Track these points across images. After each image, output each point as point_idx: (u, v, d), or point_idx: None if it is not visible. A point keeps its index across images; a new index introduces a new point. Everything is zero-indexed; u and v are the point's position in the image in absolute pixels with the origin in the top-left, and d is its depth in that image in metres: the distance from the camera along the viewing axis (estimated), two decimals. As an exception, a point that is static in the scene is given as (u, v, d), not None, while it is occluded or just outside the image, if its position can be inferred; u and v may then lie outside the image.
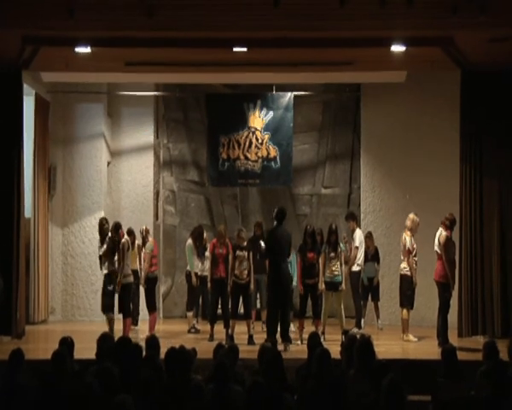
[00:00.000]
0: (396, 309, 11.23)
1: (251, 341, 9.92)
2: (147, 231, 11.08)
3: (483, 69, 9.87)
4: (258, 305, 11.55)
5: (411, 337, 10.26)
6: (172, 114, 13.66)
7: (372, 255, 11.55)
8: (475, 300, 9.97)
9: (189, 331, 11.28)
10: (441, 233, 9.77)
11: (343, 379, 5.31)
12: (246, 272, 10.17)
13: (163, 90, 13.30)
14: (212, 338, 10.25)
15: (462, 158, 10.20)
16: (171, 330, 11.44)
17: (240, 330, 10.24)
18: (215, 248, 10.43)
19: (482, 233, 10.04)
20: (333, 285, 10.26)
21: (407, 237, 10.21)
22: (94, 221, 12.77)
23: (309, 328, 9.82)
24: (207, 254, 10.96)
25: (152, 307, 10.78)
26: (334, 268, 10.23)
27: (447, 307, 9.71)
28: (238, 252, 10.20)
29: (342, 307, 10.35)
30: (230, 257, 10.24)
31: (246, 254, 10.23)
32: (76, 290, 12.77)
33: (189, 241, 11.55)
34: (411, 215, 10.34)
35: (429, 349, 9.42)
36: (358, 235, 11.35)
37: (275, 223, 9.97)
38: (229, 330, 10.13)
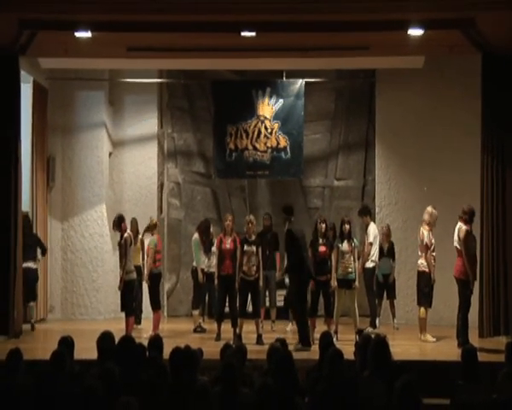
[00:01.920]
0: (413, 308, 11.21)
1: (260, 340, 9.91)
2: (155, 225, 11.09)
3: (506, 52, 9.79)
4: (267, 303, 11.56)
5: (429, 337, 10.23)
6: (177, 102, 13.65)
7: (387, 251, 11.53)
8: (497, 298, 9.91)
9: (195, 331, 11.28)
10: (461, 227, 9.71)
11: (356, 381, 5.30)
12: (254, 268, 10.16)
13: (167, 76, 13.29)
14: (218, 338, 10.26)
15: (483, 148, 10.13)
16: (175, 329, 11.46)
17: (248, 329, 10.25)
18: (222, 244, 10.42)
19: (505, 227, 9.96)
20: (346, 282, 10.23)
21: (425, 232, 10.16)
22: (95, 215, 12.82)
23: (321, 327, 9.80)
24: (214, 249, 10.96)
25: (156, 305, 10.79)
26: (347, 264, 10.21)
27: (468, 306, 9.67)
28: (246, 247, 10.18)
29: (356, 305, 10.34)
30: (238, 253, 10.23)
31: (254, 249, 10.21)
32: (76, 288, 12.81)
33: (196, 235, 11.56)
34: (429, 208, 10.29)
35: (448, 350, 9.40)
36: (372, 230, 11.32)
37: (288, 219, 9.91)
38: (237, 330, 10.14)
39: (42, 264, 12.10)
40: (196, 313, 11.46)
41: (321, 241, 10.16)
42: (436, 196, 11.50)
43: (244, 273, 10.16)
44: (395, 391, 4.70)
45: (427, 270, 10.19)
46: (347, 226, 10.29)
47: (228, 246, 10.37)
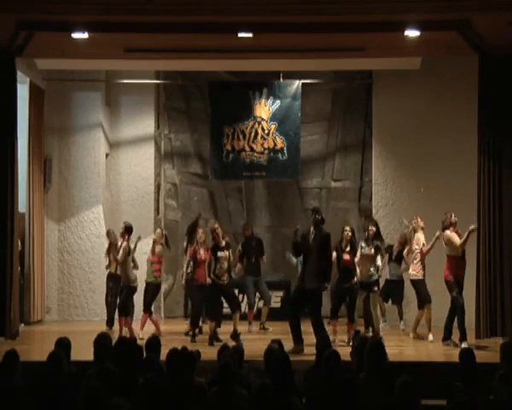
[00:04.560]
0: (410, 309, 11.27)
1: (235, 335, 9.89)
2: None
3: (503, 53, 9.81)
4: (262, 305, 11.67)
5: (430, 336, 10.35)
6: (174, 103, 13.65)
7: (396, 255, 11.31)
8: (494, 299, 9.92)
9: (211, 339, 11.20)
10: (445, 233, 9.85)
11: (354, 382, 5.30)
12: (226, 273, 10.23)
13: (164, 77, 13.29)
14: (194, 339, 10.29)
15: (480, 148, 10.13)
16: (172, 330, 11.44)
17: (239, 330, 10.25)
18: (197, 254, 10.55)
19: (501, 229, 9.97)
20: (367, 285, 10.26)
21: (421, 236, 10.37)
22: (91, 216, 12.82)
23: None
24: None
25: (146, 308, 10.80)
26: (369, 267, 10.28)
27: (460, 307, 9.77)
28: (219, 253, 10.23)
29: (379, 308, 10.53)
30: (212, 261, 10.29)
31: (227, 253, 10.27)
32: (73, 289, 12.81)
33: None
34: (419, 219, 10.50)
35: (445, 351, 9.43)
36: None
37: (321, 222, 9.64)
38: (210, 332, 10.14)
39: (39, 265, 12.12)
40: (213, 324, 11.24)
41: (346, 249, 10.06)
42: (433, 197, 11.52)
43: (216, 276, 10.19)
44: (395, 391, 4.71)
45: (418, 277, 10.38)
46: (374, 228, 10.35)
47: (203, 257, 10.50)
